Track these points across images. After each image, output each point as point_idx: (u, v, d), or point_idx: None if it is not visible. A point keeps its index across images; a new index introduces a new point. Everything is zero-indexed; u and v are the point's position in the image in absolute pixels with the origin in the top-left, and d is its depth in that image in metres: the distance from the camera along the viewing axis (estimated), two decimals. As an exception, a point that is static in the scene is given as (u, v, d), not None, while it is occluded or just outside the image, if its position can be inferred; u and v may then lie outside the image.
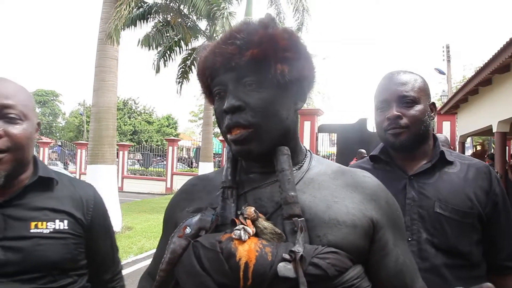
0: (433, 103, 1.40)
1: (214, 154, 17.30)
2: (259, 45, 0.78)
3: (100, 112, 8.32)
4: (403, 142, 1.32)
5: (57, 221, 1.10)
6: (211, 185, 0.92)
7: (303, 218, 0.75)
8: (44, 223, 1.08)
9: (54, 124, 47.52)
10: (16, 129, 1.04)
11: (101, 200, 1.28)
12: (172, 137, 25.35)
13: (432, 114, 1.38)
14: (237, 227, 0.73)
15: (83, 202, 1.20)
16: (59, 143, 28.37)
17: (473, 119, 9.83)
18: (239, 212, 0.78)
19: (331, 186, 0.83)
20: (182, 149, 27.12)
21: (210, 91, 0.87)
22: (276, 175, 0.81)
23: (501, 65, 6.60)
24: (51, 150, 24.73)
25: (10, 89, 1.08)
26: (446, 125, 13.36)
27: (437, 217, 1.26)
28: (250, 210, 0.76)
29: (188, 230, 0.79)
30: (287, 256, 0.69)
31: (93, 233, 1.20)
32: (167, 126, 40.73)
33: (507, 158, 8.73)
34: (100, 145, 8.27)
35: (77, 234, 1.14)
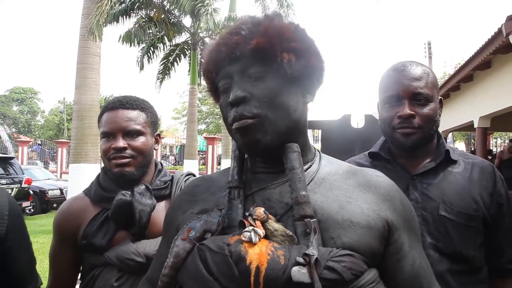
0: (441, 99, 1.33)
1: (198, 151, 17.17)
2: (264, 34, 0.75)
3: (83, 110, 8.13)
4: (414, 143, 1.24)
5: None
6: (216, 186, 0.87)
7: (315, 219, 0.72)
8: None
9: (33, 122, 46.30)
10: None
11: (17, 206, 1.13)
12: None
13: (440, 111, 1.31)
14: (246, 229, 0.69)
15: None
16: (39, 142, 27.70)
17: (454, 115, 9.99)
18: (247, 214, 0.74)
19: (343, 186, 0.80)
20: (166, 146, 26.83)
21: (216, 87, 0.83)
22: (285, 174, 0.77)
23: (483, 62, 6.73)
24: (30, 149, 24.09)
25: None
26: (428, 121, 13.50)
27: (442, 220, 1.19)
28: (260, 210, 0.72)
29: (192, 233, 0.75)
30: (301, 260, 0.65)
31: (8, 247, 1.05)
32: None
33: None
34: (83, 144, 8.08)
35: None
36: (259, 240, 0.68)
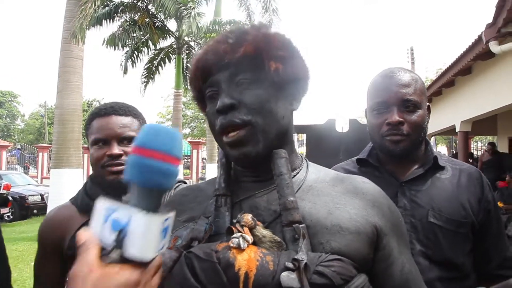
0: (429, 106, 1.32)
1: (183, 155, 17.09)
2: (252, 42, 0.76)
3: (65, 114, 8.00)
4: (403, 150, 1.23)
5: None
6: (203, 195, 0.86)
7: (304, 225, 0.71)
8: None
9: (12, 126, 45.34)
10: None
11: None
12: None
13: (427, 117, 1.31)
14: (234, 235, 0.69)
15: None
16: (18, 147, 27.08)
17: (437, 119, 10.18)
18: (234, 221, 0.73)
19: (331, 193, 0.80)
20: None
21: (202, 95, 0.83)
22: (273, 182, 0.77)
23: (463, 68, 6.90)
24: (9, 154, 23.54)
25: None
26: (411, 125, 13.71)
27: (431, 227, 1.18)
28: (248, 217, 0.71)
29: (179, 241, 0.74)
30: (290, 265, 0.65)
31: None
32: (134, 128, 39.70)
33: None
34: (64, 149, 7.94)
35: None
36: (248, 246, 0.68)
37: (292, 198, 0.73)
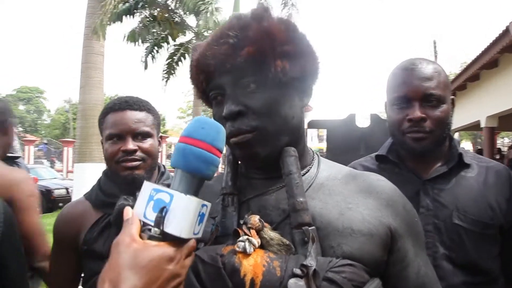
0: (453, 99, 1.23)
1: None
2: (254, 42, 0.70)
3: (87, 110, 8.16)
4: (425, 148, 1.16)
5: None
6: (210, 192, 0.82)
7: (314, 227, 0.68)
8: None
9: (39, 121, 46.65)
10: None
11: (12, 214, 1.10)
12: (161, 134, 25.09)
13: (452, 112, 1.22)
14: (240, 238, 0.66)
15: None
16: (45, 141, 27.87)
17: (461, 114, 9.91)
18: (241, 222, 0.70)
19: (343, 192, 0.76)
20: (171, 145, 26.90)
21: (207, 95, 0.79)
22: (282, 180, 0.74)
23: (490, 61, 6.67)
24: (36, 148, 24.25)
25: None
26: (434, 120, 13.40)
27: (455, 228, 1.11)
28: (255, 218, 0.68)
29: None
30: (298, 271, 0.62)
31: (1, 254, 1.03)
32: (155, 122, 40.15)
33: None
34: (87, 143, 8.11)
35: None
36: (254, 250, 0.65)
37: (301, 199, 0.70)
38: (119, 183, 1.29)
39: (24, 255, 1.17)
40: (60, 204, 11.50)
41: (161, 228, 0.59)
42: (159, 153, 1.39)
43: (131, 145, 1.24)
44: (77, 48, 8.67)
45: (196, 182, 0.63)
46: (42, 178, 12.21)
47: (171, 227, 0.59)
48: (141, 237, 0.60)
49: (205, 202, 0.63)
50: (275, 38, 0.71)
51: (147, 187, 0.63)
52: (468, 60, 7.98)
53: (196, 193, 0.63)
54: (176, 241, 0.59)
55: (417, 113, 1.14)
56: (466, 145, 26.21)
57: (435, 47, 21.00)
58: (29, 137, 23.35)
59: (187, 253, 0.61)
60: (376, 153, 1.33)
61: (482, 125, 8.29)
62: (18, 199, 1.41)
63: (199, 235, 0.63)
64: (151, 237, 0.59)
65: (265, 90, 0.72)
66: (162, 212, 0.59)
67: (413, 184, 1.18)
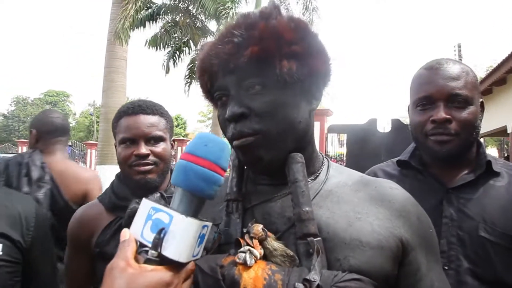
0: (482, 102, 1.15)
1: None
2: (259, 41, 0.67)
3: (110, 113, 8.33)
4: (450, 152, 1.08)
5: None
6: (216, 196, 0.81)
7: (319, 238, 0.65)
8: None
9: (65, 124, 47.84)
10: None
11: (44, 215, 1.11)
12: (181, 137, 25.38)
13: (480, 115, 1.14)
14: (242, 249, 0.63)
15: (21, 220, 1.02)
16: (70, 144, 28.57)
17: (486, 119, 9.59)
18: (245, 230, 0.67)
19: (352, 200, 0.72)
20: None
21: (212, 96, 0.77)
22: (288, 187, 0.70)
23: (517, 64, 6.44)
24: (61, 150, 24.85)
25: None
26: (459, 126, 13.09)
27: (481, 242, 1.03)
28: (258, 228, 0.65)
29: None
30: (300, 286, 0.58)
31: (32, 257, 1.03)
32: (176, 126, 40.70)
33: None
34: (109, 146, 8.29)
35: (14, 261, 0.98)
36: (255, 262, 0.62)
37: (307, 208, 0.66)
38: (132, 186, 1.29)
39: (55, 256, 1.18)
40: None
41: (159, 250, 0.56)
42: (175, 157, 1.39)
43: (143, 149, 1.24)
44: (103, 53, 8.88)
45: (197, 202, 0.60)
46: (66, 179, 12.49)
47: (169, 251, 0.56)
48: (137, 259, 0.57)
49: (206, 223, 0.60)
50: (282, 37, 0.68)
51: (146, 205, 0.60)
52: (494, 64, 7.74)
53: (196, 213, 0.60)
54: (174, 265, 0.57)
55: (441, 114, 1.07)
56: (492, 152, 25.43)
57: (459, 50, 20.50)
58: (55, 139, 23.90)
59: (185, 277, 0.59)
60: (397, 158, 1.26)
61: (509, 130, 8.03)
62: (92, 193, 1.85)
63: (198, 257, 0.61)
64: (147, 261, 0.57)
65: (270, 91, 0.69)
66: (160, 234, 0.56)
67: (436, 193, 1.11)
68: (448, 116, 1.07)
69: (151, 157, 1.26)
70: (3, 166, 1.78)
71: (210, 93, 0.77)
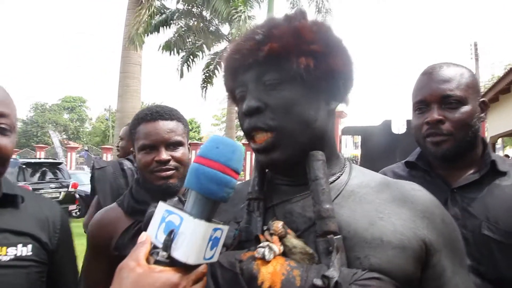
0: (483, 101, 1.18)
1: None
2: (279, 39, 0.69)
3: (125, 117, 8.44)
4: (445, 152, 1.12)
5: (19, 246, 0.98)
6: (238, 197, 0.81)
7: (340, 236, 0.64)
8: (4, 248, 0.95)
9: (81, 129, 48.68)
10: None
11: (68, 219, 1.14)
12: (195, 141, 25.54)
13: (482, 114, 1.17)
14: (261, 244, 0.64)
15: (49, 223, 1.06)
16: (86, 148, 29.03)
17: (504, 119, 9.41)
18: (265, 228, 0.68)
19: (375, 200, 0.71)
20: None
21: (235, 94, 0.78)
22: (309, 186, 0.70)
23: (536, 63, 6.29)
24: (78, 155, 25.32)
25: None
26: (476, 126, 12.86)
27: (485, 240, 1.05)
28: (278, 225, 0.66)
29: None
30: (318, 282, 0.58)
31: (57, 259, 1.06)
32: (190, 130, 40.73)
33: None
34: (124, 150, 8.39)
35: (41, 261, 1.01)
36: (274, 257, 0.62)
37: (327, 206, 0.66)
38: (153, 191, 1.30)
39: (76, 260, 1.21)
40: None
41: (169, 252, 0.57)
42: (190, 161, 1.40)
43: (164, 155, 1.26)
44: (118, 59, 9.01)
45: (210, 204, 0.60)
46: (82, 183, 12.68)
47: (178, 252, 0.57)
48: (148, 260, 0.58)
49: (219, 226, 0.60)
50: (302, 36, 0.69)
51: (161, 207, 0.61)
52: (512, 63, 7.58)
53: (210, 216, 0.60)
54: (183, 267, 0.57)
55: (433, 115, 1.13)
56: (510, 152, 24.84)
57: (476, 49, 20.16)
58: (72, 144, 24.39)
59: (195, 280, 0.59)
60: (405, 160, 1.29)
61: (529, 130, 7.84)
62: None
63: (213, 259, 0.61)
64: (157, 262, 0.58)
65: (287, 88, 0.70)
66: (170, 235, 0.57)
67: (442, 193, 1.11)
68: (440, 117, 1.12)
69: (172, 162, 1.27)
70: None
71: (233, 91, 0.78)
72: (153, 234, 0.60)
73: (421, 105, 1.18)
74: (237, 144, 0.63)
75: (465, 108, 1.12)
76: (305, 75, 0.69)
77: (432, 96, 1.14)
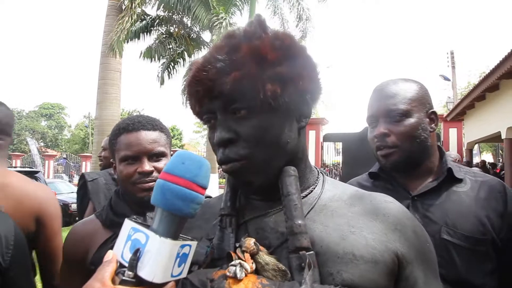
0: (433, 112, 1.24)
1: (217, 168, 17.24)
2: (241, 66, 0.65)
3: (104, 125, 8.32)
4: (394, 164, 1.18)
5: None
6: (210, 212, 0.80)
7: (312, 252, 0.64)
8: None
9: (60, 136, 47.70)
10: None
11: (22, 235, 1.09)
12: (177, 148, 25.37)
13: (432, 125, 1.22)
14: (232, 263, 0.63)
15: (1, 239, 1.00)
16: (64, 156, 28.43)
17: (480, 126, 9.67)
18: (237, 245, 0.67)
19: (347, 214, 0.71)
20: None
21: (202, 117, 0.76)
22: (281, 201, 0.70)
23: (509, 70, 6.50)
24: (56, 163, 24.77)
25: None
26: (453, 132, 13.20)
27: (444, 244, 1.10)
28: (249, 242, 0.65)
29: None
30: None
31: (11, 277, 1.01)
32: (172, 137, 40.57)
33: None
34: (103, 158, 8.25)
35: None
36: (246, 275, 0.61)
37: (300, 222, 0.66)
38: (134, 203, 1.27)
39: (32, 275, 1.15)
40: (77, 219, 11.61)
41: (135, 271, 0.56)
42: None
43: (147, 166, 1.22)
44: (97, 65, 8.88)
45: (176, 221, 0.59)
46: (60, 192, 12.37)
47: (144, 271, 0.56)
48: (114, 280, 0.57)
49: (187, 242, 0.60)
50: (265, 59, 0.66)
51: (127, 225, 0.60)
52: (487, 71, 7.80)
53: (176, 232, 0.60)
54: (150, 286, 0.56)
55: (379, 129, 1.19)
56: (487, 157, 25.55)
57: (452, 57, 20.72)
58: (50, 152, 23.86)
59: None
60: (369, 171, 1.35)
61: (503, 136, 8.06)
62: (46, 220, 1.42)
63: (182, 276, 0.60)
64: (123, 282, 0.56)
65: (256, 116, 0.68)
66: (136, 254, 0.56)
67: (403, 200, 1.15)
68: (385, 131, 1.18)
69: (155, 174, 1.23)
70: None
71: (200, 115, 0.76)
72: (119, 252, 0.59)
73: (372, 119, 1.25)
74: (203, 160, 0.63)
75: (408, 121, 1.18)
76: (273, 102, 0.67)
77: (378, 112, 1.22)
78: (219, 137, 0.68)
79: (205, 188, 0.61)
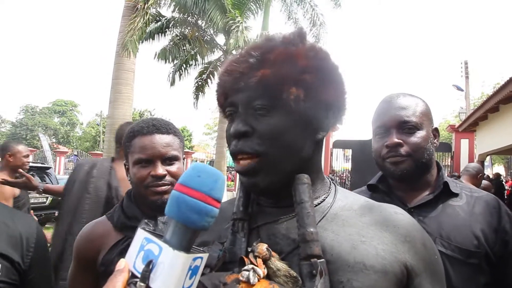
0: (436, 129, 1.30)
1: (227, 167, 17.27)
2: (272, 65, 0.69)
3: (115, 124, 8.37)
4: (403, 171, 1.21)
5: None
6: (222, 216, 0.80)
7: (323, 260, 0.65)
8: None
9: (72, 133, 48.19)
10: None
11: (44, 235, 1.09)
12: (187, 150, 25.47)
13: (435, 140, 1.28)
14: (245, 267, 0.64)
15: (22, 241, 1.00)
16: (75, 153, 28.69)
17: (493, 137, 9.55)
18: (249, 249, 0.68)
19: (357, 223, 0.72)
20: (197, 161, 27.20)
21: (225, 111, 0.79)
22: (294, 209, 0.71)
23: (524, 83, 6.42)
24: (67, 160, 25.03)
25: None
26: (465, 143, 13.06)
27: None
28: (262, 247, 0.66)
29: None
30: None
31: (30, 279, 1.01)
32: (182, 139, 40.60)
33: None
34: (113, 156, 8.31)
35: (12, 282, 0.96)
36: (259, 280, 0.62)
37: (312, 229, 0.67)
38: (147, 206, 1.28)
39: (52, 278, 1.16)
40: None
41: (147, 283, 0.56)
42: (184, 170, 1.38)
43: (160, 169, 1.23)
44: (111, 65, 8.99)
45: (190, 234, 0.59)
46: (70, 189, 12.50)
47: (156, 283, 0.55)
48: None
49: (199, 255, 0.60)
50: (296, 64, 0.69)
51: (140, 235, 0.60)
52: (501, 82, 7.71)
53: (189, 244, 0.60)
54: None
55: (392, 139, 1.22)
56: (499, 169, 25.18)
57: (466, 67, 20.51)
58: (61, 148, 24.13)
59: None
60: (368, 183, 1.38)
61: (516, 149, 7.96)
62: None
63: None
64: None
65: (276, 115, 0.70)
66: (149, 266, 0.56)
67: None
68: (399, 141, 1.22)
69: (168, 177, 1.24)
70: None
71: (223, 108, 0.78)
72: (131, 262, 0.59)
73: (381, 129, 1.27)
74: (219, 173, 0.63)
75: (421, 133, 1.23)
76: (294, 105, 0.69)
77: (391, 122, 1.25)
78: (235, 128, 0.70)
79: (219, 201, 0.61)
